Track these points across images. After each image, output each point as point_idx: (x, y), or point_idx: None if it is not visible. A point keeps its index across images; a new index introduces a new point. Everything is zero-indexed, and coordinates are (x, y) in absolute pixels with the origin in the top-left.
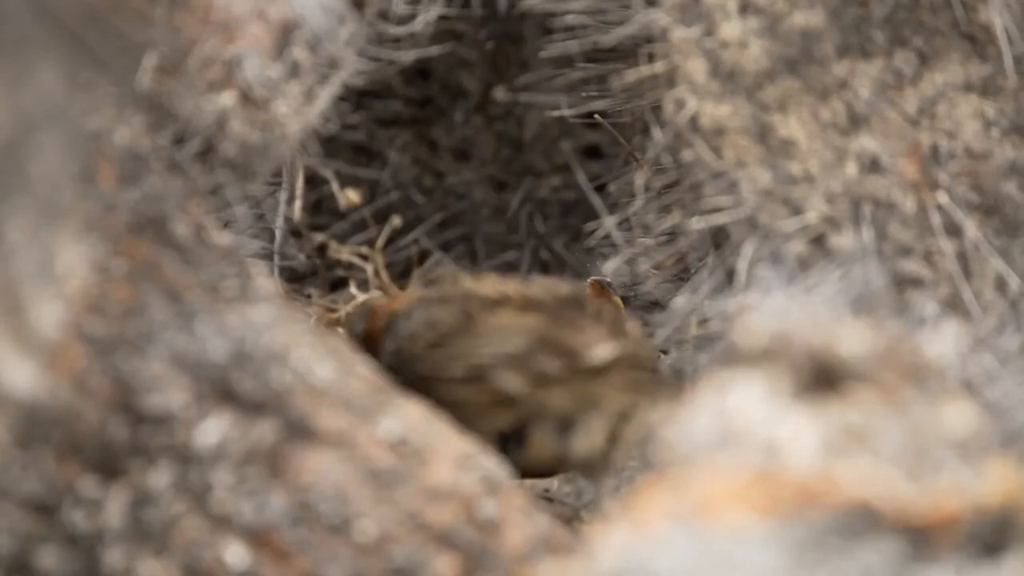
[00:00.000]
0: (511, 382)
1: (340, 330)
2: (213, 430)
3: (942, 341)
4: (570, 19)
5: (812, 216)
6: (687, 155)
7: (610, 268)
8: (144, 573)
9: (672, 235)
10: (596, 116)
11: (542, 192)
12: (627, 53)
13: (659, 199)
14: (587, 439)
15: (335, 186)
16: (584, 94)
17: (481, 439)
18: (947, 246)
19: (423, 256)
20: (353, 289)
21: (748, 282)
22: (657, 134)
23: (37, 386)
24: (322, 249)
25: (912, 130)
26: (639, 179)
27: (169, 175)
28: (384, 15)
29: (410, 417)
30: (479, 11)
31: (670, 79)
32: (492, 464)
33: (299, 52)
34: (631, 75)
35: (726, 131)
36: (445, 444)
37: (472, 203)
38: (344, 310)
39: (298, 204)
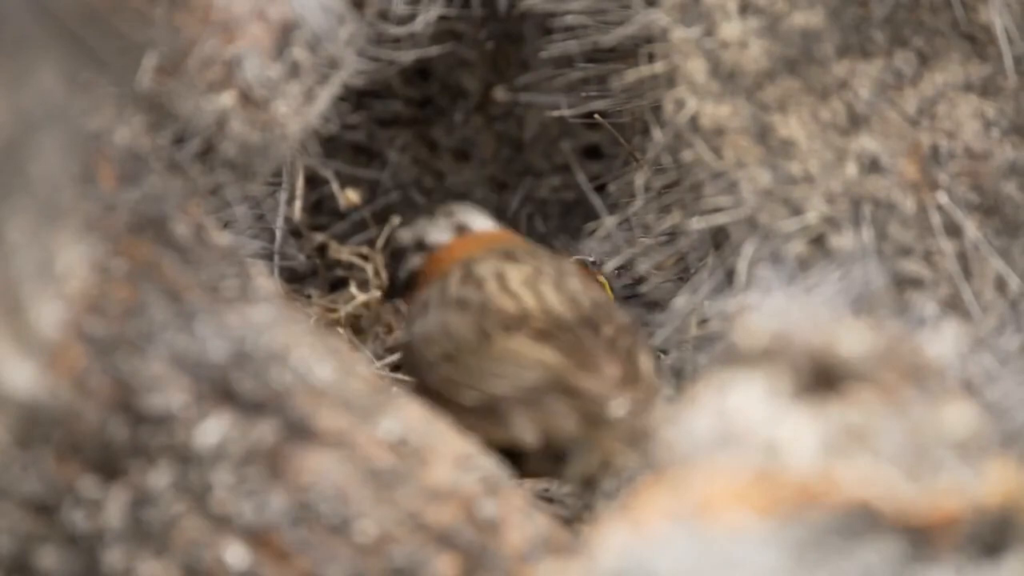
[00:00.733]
0: (524, 431)
1: (340, 330)
2: (213, 430)
3: (942, 341)
4: (570, 19)
5: (812, 216)
6: (687, 155)
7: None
8: (144, 573)
9: (672, 235)
10: (596, 116)
11: (542, 192)
12: (627, 53)
13: (659, 199)
14: (582, 466)
15: (335, 186)
16: (584, 94)
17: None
18: (947, 246)
19: None
20: (353, 289)
21: (748, 282)
22: (657, 134)
23: (37, 386)
24: (322, 249)
25: (912, 130)
26: (639, 179)
27: (169, 175)
28: (384, 15)
29: (410, 417)
30: (479, 11)
31: (670, 79)
32: (492, 464)
33: (299, 52)
34: (631, 75)
35: (726, 131)
36: (445, 444)
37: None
38: (344, 310)
39: (298, 204)
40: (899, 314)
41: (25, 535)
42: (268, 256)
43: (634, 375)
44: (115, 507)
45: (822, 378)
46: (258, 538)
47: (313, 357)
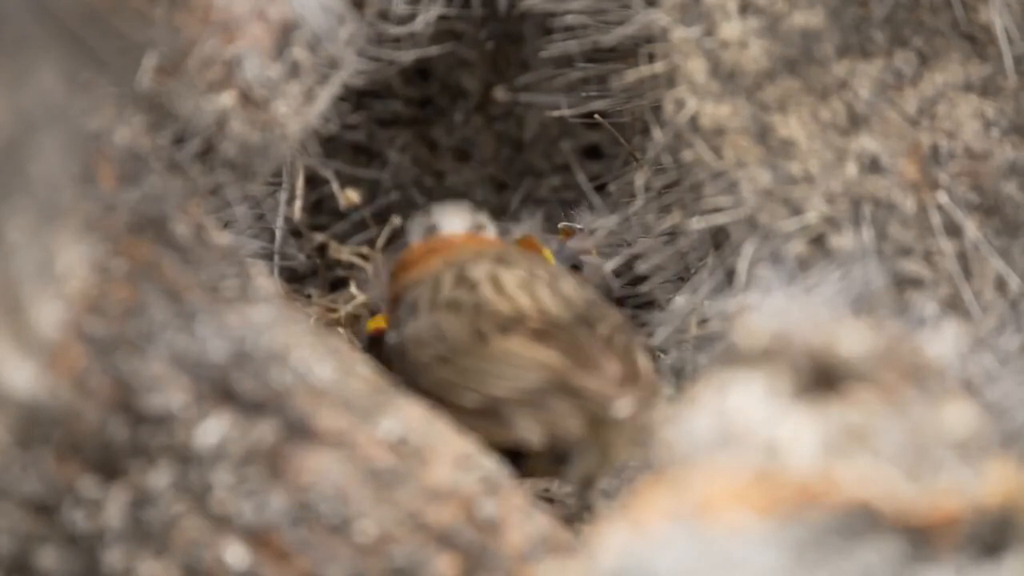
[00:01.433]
0: (528, 432)
1: (340, 330)
2: (213, 430)
3: (942, 341)
4: (570, 19)
5: (812, 216)
6: (687, 155)
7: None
8: (144, 573)
9: (672, 235)
10: (596, 116)
11: (542, 192)
12: (627, 53)
13: (659, 199)
14: (584, 466)
15: (335, 186)
16: (584, 94)
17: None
18: (947, 246)
19: None
20: (353, 289)
21: (748, 282)
22: (657, 134)
23: (37, 386)
24: (322, 249)
25: (912, 130)
26: (639, 179)
27: (169, 175)
28: (384, 15)
29: (410, 417)
30: (479, 11)
31: (670, 79)
32: (492, 464)
33: (299, 52)
34: (631, 75)
35: (726, 131)
36: (445, 444)
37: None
38: (344, 310)
39: (298, 204)
40: (899, 314)
41: (25, 535)
42: (268, 256)
43: (634, 373)
44: (115, 507)
45: (822, 378)
46: (258, 538)
47: (313, 357)
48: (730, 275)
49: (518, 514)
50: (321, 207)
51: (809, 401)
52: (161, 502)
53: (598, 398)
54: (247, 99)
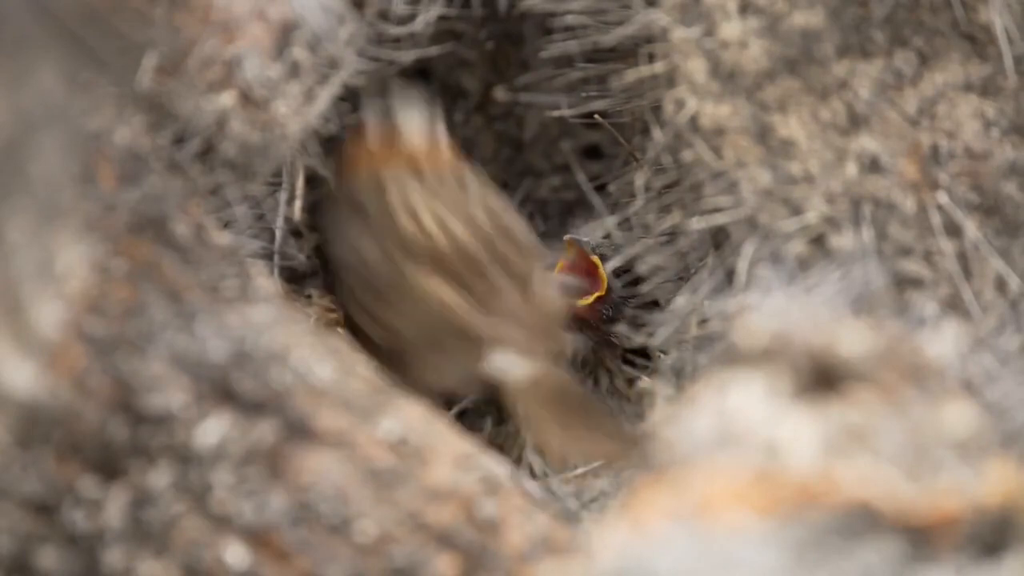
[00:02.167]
0: (430, 374)
1: (340, 330)
2: (213, 430)
3: (942, 341)
4: (570, 19)
5: (812, 216)
6: (687, 155)
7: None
8: (144, 573)
9: (672, 235)
10: (596, 116)
11: (542, 192)
12: (627, 53)
13: (659, 199)
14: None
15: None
16: (584, 94)
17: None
18: (947, 246)
19: None
20: None
21: (748, 282)
22: (657, 134)
23: (37, 386)
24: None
25: (912, 130)
26: (639, 179)
27: (169, 175)
28: (384, 15)
29: (410, 417)
30: (479, 11)
31: (670, 79)
32: (492, 464)
33: (299, 52)
34: (631, 75)
35: (726, 131)
36: (445, 444)
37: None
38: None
39: (298, 204)
40: (899, 314)
41: (25, 535)
42: (268, 256)
43: (532, 303)
44: (115, 507)
45: (822, 378)
46: (258, 538)
47: (313, 357)
48: (730, 275)
49: (518, 514)
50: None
51: (809, 401)
52: (161, 502)
53: (492, 343)
54: (247, 99)
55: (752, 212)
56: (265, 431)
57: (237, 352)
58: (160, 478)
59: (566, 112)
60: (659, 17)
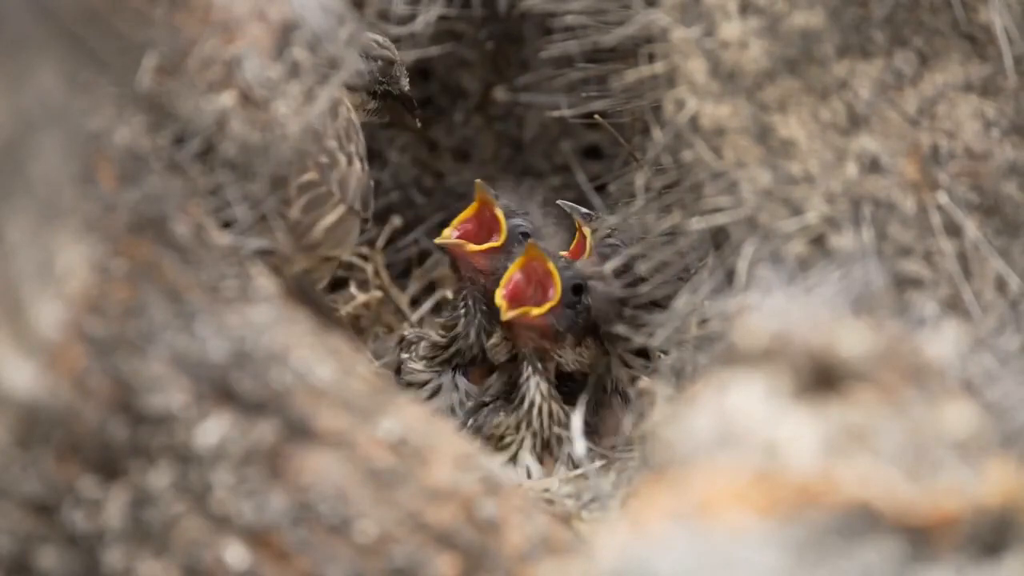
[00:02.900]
0: None
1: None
2: (213, 430)
3: (942, 341)
4: (570, 19)
5: (812, 216)
6: (687, 155)
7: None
8: (144, 573)
9: (672, 235)
10: (596, 116)
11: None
12: (627, 53)
13: (659, 199)
14: None
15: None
16: (584, 94)
17: None
18: (947, 246)
19: (423, 256)
20: (353, 289)
21: (748, 282)
22: (657, 134)
23: (37, 386)
24: None
25: (912, 130)
26: (639, 179)
27: (169, 175)
28: (384, 15)
29: (410, 417)
30: (479, 11)
31: (670, 79)
32: (492, 464)
33: (299, 52)
34: (631, 75)
35: (726, 131)
36: (445, 444)
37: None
38: (344, 310)
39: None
40: (899, 314)
41: (25, 535)
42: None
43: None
44: (115, 507)
45: (822, 378)
46: (258, 538)
47: (313, 357)
48: (730, 275)
49: (518, 514)
50: None
51: (809, 401)
52: (161, 502)
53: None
54: (247, 99)
55: (752, 212)
56: (265, 431)
57: (237, 352)
58: (160, 478)
59: (566, 112)
60: (659, 17)
